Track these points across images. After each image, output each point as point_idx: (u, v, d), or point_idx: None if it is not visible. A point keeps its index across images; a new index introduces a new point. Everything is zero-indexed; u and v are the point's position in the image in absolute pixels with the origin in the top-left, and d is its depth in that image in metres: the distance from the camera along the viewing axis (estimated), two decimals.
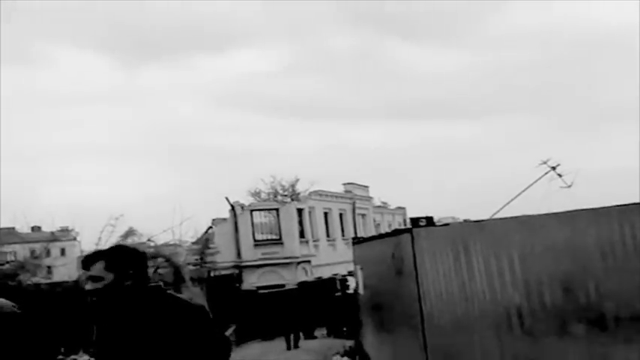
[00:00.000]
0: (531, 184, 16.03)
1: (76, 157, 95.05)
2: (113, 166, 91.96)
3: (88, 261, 3.45)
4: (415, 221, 9.93)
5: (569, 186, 15.91)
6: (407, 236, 9.51)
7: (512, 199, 15.84)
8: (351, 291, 20.19)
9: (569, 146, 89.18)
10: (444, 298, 9.03)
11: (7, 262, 20.79)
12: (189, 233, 27.92)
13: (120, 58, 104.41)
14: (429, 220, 9.98)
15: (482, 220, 9.53)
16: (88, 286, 3.39)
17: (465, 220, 13.05)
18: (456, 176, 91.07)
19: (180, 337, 3.29)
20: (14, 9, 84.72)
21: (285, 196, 42.68)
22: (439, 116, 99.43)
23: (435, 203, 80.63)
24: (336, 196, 39.07)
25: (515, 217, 9.07)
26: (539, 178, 16.03)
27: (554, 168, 16.12)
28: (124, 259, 3.45)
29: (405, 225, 36.99)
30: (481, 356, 8.74)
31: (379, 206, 48.15)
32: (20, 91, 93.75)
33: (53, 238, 25.66)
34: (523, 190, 16.00)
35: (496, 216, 13.69)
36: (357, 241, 15.78)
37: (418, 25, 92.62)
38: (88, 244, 25.79)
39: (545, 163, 16.21)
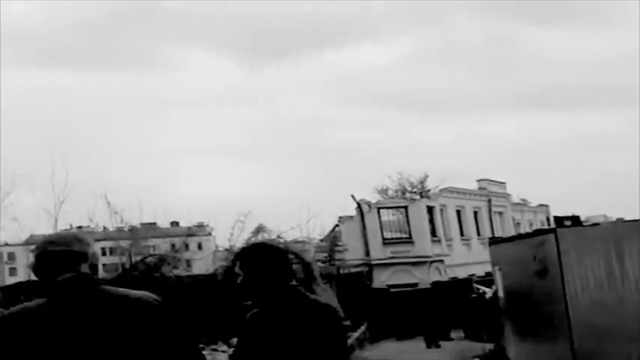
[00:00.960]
0: None
1: (208, 156, 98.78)
2: (242, 164, 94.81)
3: (233, 258, 3.58)
4: (559, 220, 9.49)
5: None
6: (551, 237, 9.07)
7: None
8: (489, 295, 19.53)
9: None
10: (593, 302, 8.51)
11: (151, 256, 21.80)
12: (317, 231, 28.18)
13: (244, 58, 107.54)
14: (576, 220, 9.49)
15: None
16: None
17: (618, 220, 12.28)
18: (604, 171, 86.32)
19: (312, 338, 3.27)
20: (143, 16, 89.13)
21: (414, 193, 42.03)
22: (580, 105, 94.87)
23: (581, 200, 76.48)
24: (470, 193, 37.99)
25: None
26: None
27: None
28: (258, 257, 3.47)
29: (549, 224, 35.45)
30: None
31: (518, 204, 46.08)
32: (154, 94, 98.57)
33: (190, 232, 26.68)
34: None
35: None
36: (495, 241, 15.28)
37: (557, 9, 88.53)
38: (222, 239, 26.69)
39: None
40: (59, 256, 2.76)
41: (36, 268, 2.81)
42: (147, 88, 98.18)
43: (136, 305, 2.77)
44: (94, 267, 2.82)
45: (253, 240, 21.78)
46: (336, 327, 3.43)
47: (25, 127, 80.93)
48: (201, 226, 32.53)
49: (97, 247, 2.97)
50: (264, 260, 3.46)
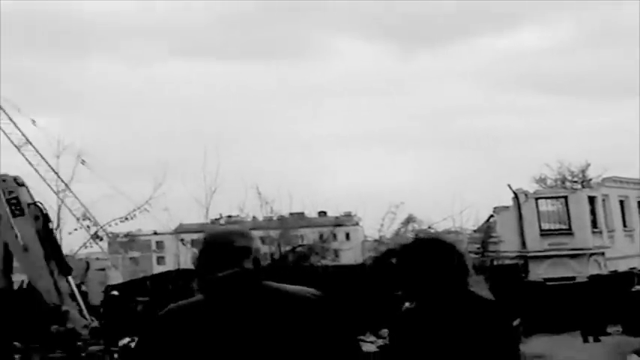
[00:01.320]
0: None
1: (356, 145, 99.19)
2: (391, 153, 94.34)
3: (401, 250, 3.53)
4: None
5: None
6: None
7: None
8: None
9: None
10: None
11: (300, 246, 22.00)
12: (470, 222, 27.40)
13: (396, 46, 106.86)
14: None
15: None
16: None
17: None
18: None
19: (479, 337, 3.18)
20: (295, 5, 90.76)
21: (575, 182, 40.12)
22: None
23: None
24: (634, 183, 35.83)
25: None
26: None
27: None
28: (435, 254, 3.35)
29: None
30: None
31: None
32: (306, 83, 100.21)
33: (338, 222, 26.71)
34: None
35: None
36: None
37: None
38: (370, 229, 26.41)
39: None
40: (223, 251, 2.71)
41: (198, 263, 2.76)
42: (299, 77, 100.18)
43: (298, 302, 2.70)
44: (257, 262, 2.74)
45: (403, 230, 21.42)
46: (507, 327, 3.30)
47: (178, 117, 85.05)
48: (348, 215, 32.57)
49: None
50: (439, 258, 3.32)
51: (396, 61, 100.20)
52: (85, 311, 12.27)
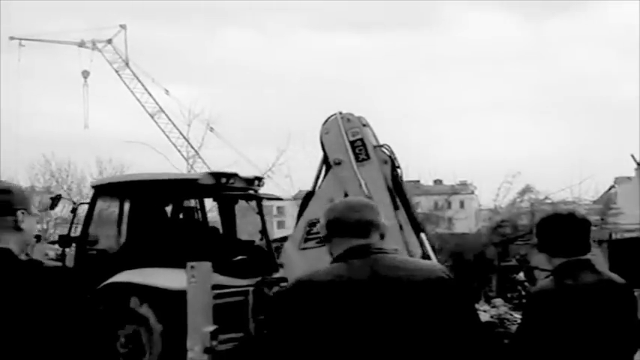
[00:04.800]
0: None
1: (475, 115, 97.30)
2: (511, 123, 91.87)
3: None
4: None
5: None
6: None
7: None
8: None
9: None
10: None
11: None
12: (589, 193, 26.68)
13: (526, 13, 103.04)
14: None
15: None
16: None
17: None
18: None
19: (613, 319, 3.28)
20: None
21: None
22: None
23: None
24: None
25: None
26: None
27: None
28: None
29: None
30: None
31: None
32: (432, 53, 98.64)
33: (453, 191, 26.76)
34: None
35: None
36: None
37: None
38: (486, 199, 26.46)
39: None
40: (353, 223, 2.73)
41: (327, 234, 2.79)
42: (424, 47, 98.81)
43: (430, 281, 2.68)
44: (382, 237, 2.78)
45: (519, 201, 21.33)
46: (633, 306, 3.40)
47: (303, 87, 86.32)
48: (464, 184, 32.45)
49: None
50: (563, 229, 3.41)
51: (527, 29, 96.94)
52: None
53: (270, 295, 10.18)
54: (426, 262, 2.96)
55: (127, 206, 11.68)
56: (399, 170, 9.85)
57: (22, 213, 2.69)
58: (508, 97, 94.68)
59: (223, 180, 10.86)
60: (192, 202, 12.05)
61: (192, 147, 38.02)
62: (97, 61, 41.25)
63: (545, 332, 3.23)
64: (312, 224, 9.53)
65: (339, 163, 9.72)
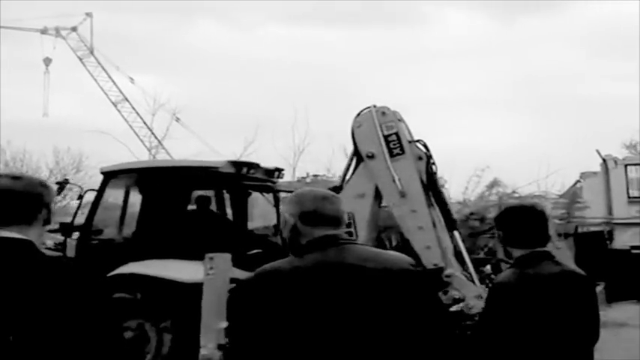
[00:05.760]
0: None
1: (445, 109, 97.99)
2: (480, 117, 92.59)
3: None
4: None
5: None
6: None
7: None
8: None
9: None
10: None
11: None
12: (556, 187, 27.01)
13: (497, 11, 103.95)
14: None
15: None
16: None
17: None
18: None
19: (571, 309, 3.32)
20: None
21: None
22: None
23: None
24: None
25: None
26: None
27: None
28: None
29: None
30: None
31: None
32: (405, 49, 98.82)
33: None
34: None
35: None
36: None
37: None
38: (455, 192, 26.55)
39: None
40: (329, 214, 2.82)
41: (299, 223, 2.84)
42: (398, 43, 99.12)
43: (396, 271, 2.74)
44: (348, 227, 2.89)
45: (487, 194, 21.46)
46: (593, 298, 3.45)
47: (274, 79, 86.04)
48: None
49: None
50: (522, 222, 3.49)
51: (494, 27, 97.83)
52: (474, 276, 9.48)
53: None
54: (395, 253, 2.93)
55: (139, 194, 10.85)
56: (434, 167, 9.69)
57: (51, 207, 2.71)
58: (477, 91, 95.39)
59: (244, 170, 10.16)
60: (209, 192, 11.28)
61: (155, 136, 37.51)
62: (61, 48, 40.46)
63: (506, 322, 3.29)
64: None
65: (371, 157, 9.52)
